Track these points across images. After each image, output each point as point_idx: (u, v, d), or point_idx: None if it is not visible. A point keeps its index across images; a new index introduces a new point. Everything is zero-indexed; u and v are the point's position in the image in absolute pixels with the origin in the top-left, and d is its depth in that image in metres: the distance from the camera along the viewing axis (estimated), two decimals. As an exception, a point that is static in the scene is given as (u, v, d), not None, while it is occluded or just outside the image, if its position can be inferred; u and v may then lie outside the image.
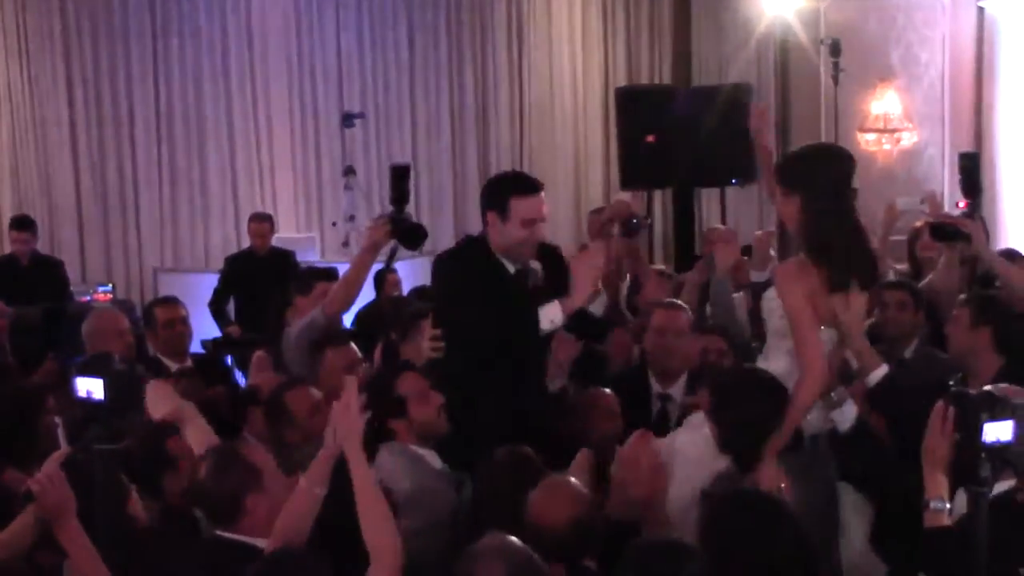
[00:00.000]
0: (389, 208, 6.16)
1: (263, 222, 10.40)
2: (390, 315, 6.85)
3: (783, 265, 4.46)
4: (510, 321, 4.93)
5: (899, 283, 6.51)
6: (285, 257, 10.13)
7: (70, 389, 3.99)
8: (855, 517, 4.40)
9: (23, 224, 9.97)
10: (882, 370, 4.35)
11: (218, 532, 3.93)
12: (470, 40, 12.98)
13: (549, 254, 5.23)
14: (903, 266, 8.39)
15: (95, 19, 11.96)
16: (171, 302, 6.85)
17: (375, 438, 4.80)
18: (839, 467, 4.46)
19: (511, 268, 5.07)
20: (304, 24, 12.61)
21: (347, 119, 11.70)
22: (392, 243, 6.01)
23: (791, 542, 3.48)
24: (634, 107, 11.29)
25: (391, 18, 12.82)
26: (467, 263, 5.14)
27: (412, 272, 11.11)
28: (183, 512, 4.36)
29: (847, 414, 4.28)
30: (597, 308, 5.42)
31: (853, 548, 4.35)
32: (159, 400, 4.70)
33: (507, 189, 5.09)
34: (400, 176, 6.06)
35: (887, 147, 12.13)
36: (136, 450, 4.52)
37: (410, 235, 5.88)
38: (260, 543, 3.80)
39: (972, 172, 6.58)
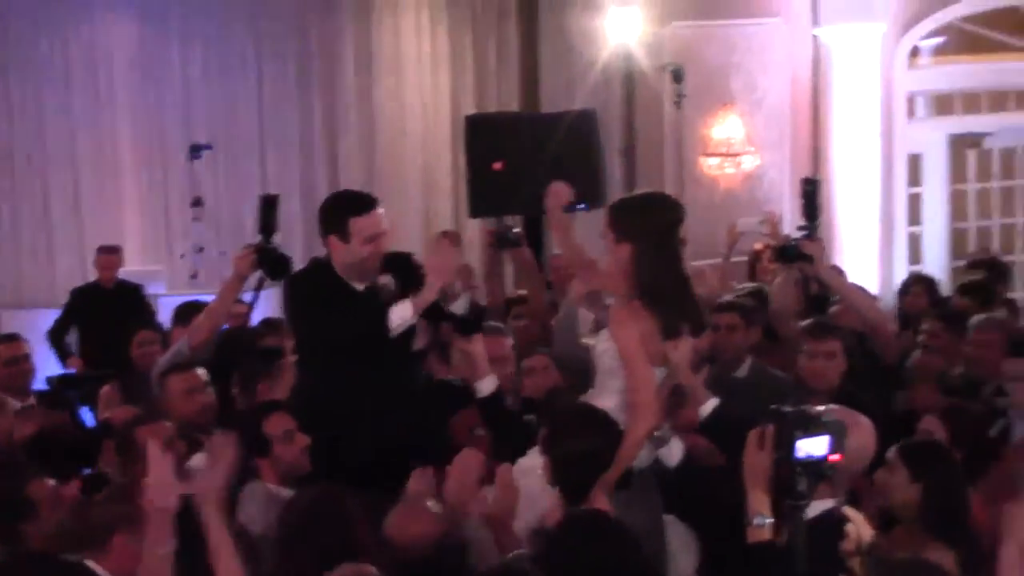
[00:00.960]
0: (243, 239, 6.16)
1: (111, 254, 10.26)
2: (247, 346, 6.87)
3: (616, 309, 4.57)
4: (366, 329, 4.94)
5: (729, 304, 6.67)
6: (133, 291, 10.05)
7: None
8: (682, 549, 4.51)
9: None
10: (712, 402, 4.50)
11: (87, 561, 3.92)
12: (318, 68, 12.90)
13: (401, 264, 5.27)
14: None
15: (-66, 51, 11.75)
16: (13, 339, 6.83)
17: (241, 476, 4.82)
18: (665, 500, 4.59)
19: (359, 288, 5.11)
20: (149, 55, 12.45)
21: (194, 150, 11.62)
22: (258, 273, 6.06)
23: (630, 560, 3.62)
24: (482, 134, 11.34)
25: (237, 47, 12.71)
26: (316, 284, 5.15)
27: (269, 301, 11.07)
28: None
29: (674, 450, 4.41)
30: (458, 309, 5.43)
31: None
32: None
33: (344, 210, 5.13)
34: (268, 206, 6.10)
35: (730, 171, 12.42)
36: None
37: (276, 265, 5.91)
38: None
39: (812, 196, 6.83)
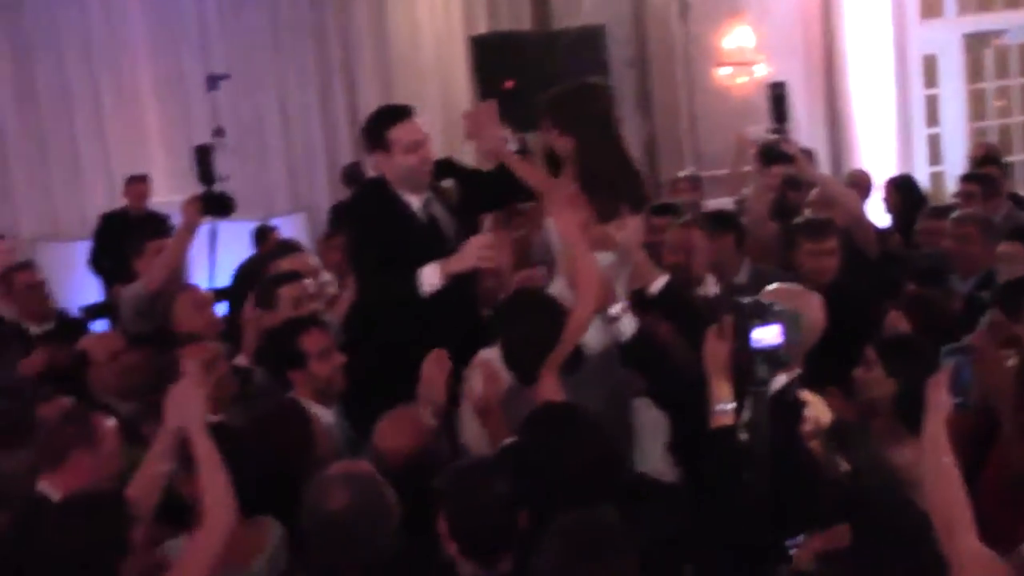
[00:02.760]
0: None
1: (139, 183, 10.54)
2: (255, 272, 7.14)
3: (557, 197, 4.70)
4: (397, 296, 4.99)
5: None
6: (160, 221, 10.10)
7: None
8: (651, 432, 4.63)
9: None
10: (662, 280, 4.66)
11: (41, 480, 4.14)
12: (331, -5, 12.99)
13: (451, 169, 5.33)
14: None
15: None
16: (27, 267, 7.08)
17: (279, 386, 5.06)
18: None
19: (416, 204, 5.14)
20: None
21: (212, 81, 11.76)
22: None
23: (590, 445, 3.76)
24: (490, 54, 11.54)
25: (251, -23, 12.80)
26: (370, 209, 5.18)
27: (293, 226, 11.31)
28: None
29: (625, 327, 4.55)
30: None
31: (650, 461, 4.58)
32: None
33: (380, 122, 5.14)
34: (204, 155, 6.41)
35: (742, 80, 12.45)
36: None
37: (219, 206, 6.24)
38: None
39: (780, 100, 7.00)
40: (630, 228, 4.68)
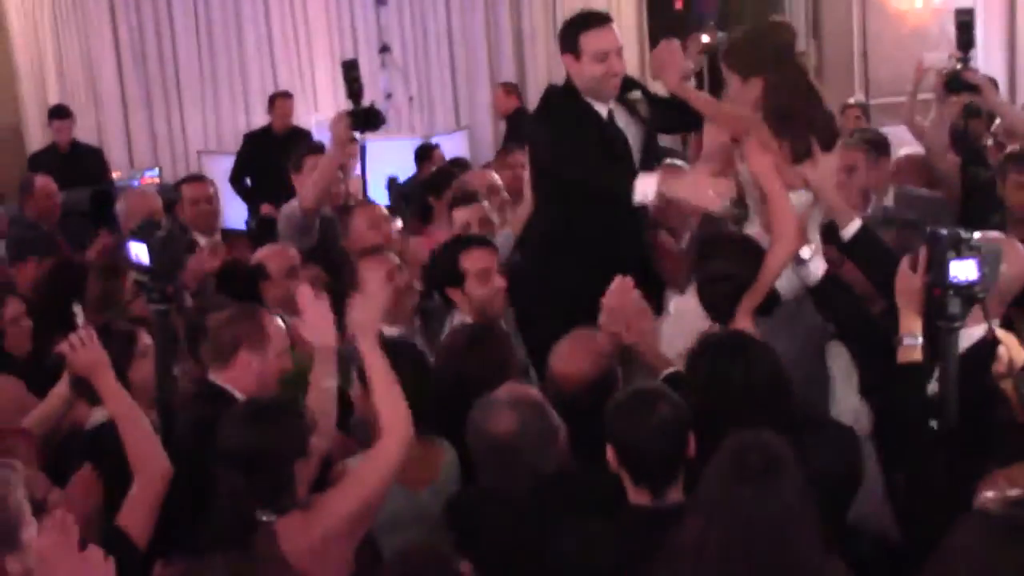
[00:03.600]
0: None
1: (283, 100, 10.62)
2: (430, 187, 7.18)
3: (748, 141, 4.57)
4: (608, 166, 4.90)
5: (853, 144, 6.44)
6: (302, 137, 10.04)
7: (124, 255, 4.26)
8: (844, 377, 4.51)
9: (60, 113, 10.28)
10: (856, 223, 4.51)
11: (210, 375, 4.24)
12: (499, -86, 12.84)
13: (633, 83, 5.20)
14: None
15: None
16: (198, 179, 7.16)
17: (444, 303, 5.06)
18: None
19: (603, 111, 5.04)
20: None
21: (380, -3, 11.82)
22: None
23: (760, 371, 3.65)
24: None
25: None
26: (562, 113, 5.06)
27: (454, 144, 11.32)
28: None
29: (812, 269, 4.41)
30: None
31: (845, 405, 4.47)
32: None
33: (575, 27, 5.00)
34: (351, 70, 6.42)
35: (918, 5, 12.05)
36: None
37: (368, 121, 6.25)
38: (241, 396, 4.08)
39: (967, 27, 6.70)
40: (823, 167, 4.53)
